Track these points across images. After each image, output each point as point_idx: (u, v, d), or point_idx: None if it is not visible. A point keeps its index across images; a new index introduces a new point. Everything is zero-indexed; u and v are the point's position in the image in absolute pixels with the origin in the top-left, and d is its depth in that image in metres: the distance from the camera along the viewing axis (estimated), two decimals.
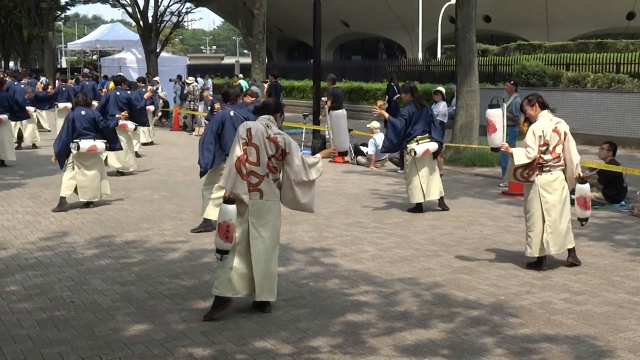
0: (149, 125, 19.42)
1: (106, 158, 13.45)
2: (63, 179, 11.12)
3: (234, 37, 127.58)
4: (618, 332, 5.93)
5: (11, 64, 62.11)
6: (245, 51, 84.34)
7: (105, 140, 11.28)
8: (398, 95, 21.30)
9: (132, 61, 35.36)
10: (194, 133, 23.98)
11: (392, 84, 20.26)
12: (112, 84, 16.64)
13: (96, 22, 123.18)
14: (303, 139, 19.68)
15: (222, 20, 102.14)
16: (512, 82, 13.60)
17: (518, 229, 9.66)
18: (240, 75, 30.58)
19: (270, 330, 5.94)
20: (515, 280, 7.39)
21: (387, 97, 21.14)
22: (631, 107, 19.29)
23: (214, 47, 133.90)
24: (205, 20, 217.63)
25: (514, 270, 7.76)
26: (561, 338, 5.77)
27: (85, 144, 10.90)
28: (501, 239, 9.23)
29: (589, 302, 6.66)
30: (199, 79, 27.65)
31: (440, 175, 14.62)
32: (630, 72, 22.38)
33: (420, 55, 40.31)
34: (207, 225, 9.36)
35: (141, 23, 34.16)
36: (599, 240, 9.13)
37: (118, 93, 14.74)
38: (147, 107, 17.47)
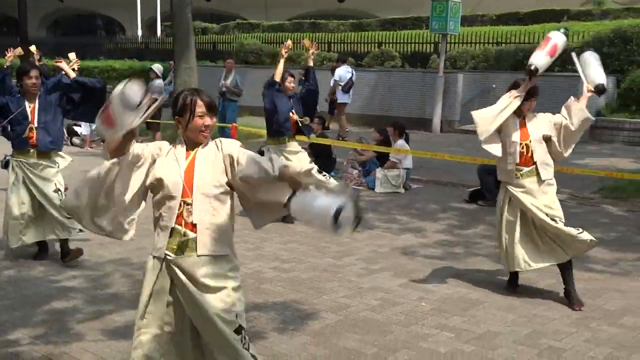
0: None
1: None
2: None
3: None
4: (322, 295, 6.23)
5: None
6: None
7: None
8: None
9: None
10: None
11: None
12: None
13: None
14: None
15: None
16: (233, 59, 14.56)
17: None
18: None
19: None
20: None
21: None
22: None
23: None
24: None
25: None
26: (269, 305, 5.94)
27: None
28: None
29: (296, 269, 6.93)
30: None
31: None
32: (339, 50, 23.71)
33: (139, 33, 39.44)
34: None
35: None
36: None
37: None
38: None
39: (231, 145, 3.75)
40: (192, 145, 3.79)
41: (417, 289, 6.47)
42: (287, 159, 8.46)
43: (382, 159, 11.58)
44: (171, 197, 3.70)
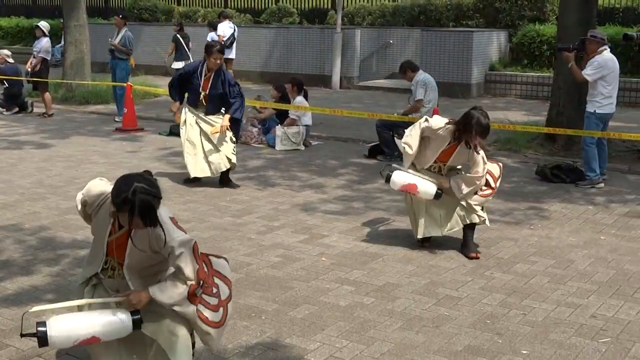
0: None
1: None
2: None
3: None
4: (222, 254, 6.09)
5: None
6: None
7: None
8: None
9: None
10: None
11: None
12: None
13: None
14: None
15: None
16: (120, 16, 14.14)
17: (130, 164, 9.61)
18: None
19: None
20: None
21: None
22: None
23: None
24: None
25: None
26: None
27: None
28: (113, 175, 9.05)
29: (197, 228, 6.84)
30: None
31: (50, 115, 14.02)
32: (236, 6, 23.36)
33: None
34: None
35: None
36: None
37: None
38: None
39: (161, 244, 3.53)
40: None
41: (318, 245, 6.52)
42: (209, 122, 8.46)
43: (281, 117, 11.52)
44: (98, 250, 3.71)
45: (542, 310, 5.11)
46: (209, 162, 8.48)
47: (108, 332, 3.52)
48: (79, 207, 3.87)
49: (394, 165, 6.40)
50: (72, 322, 3.50)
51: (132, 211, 3.35)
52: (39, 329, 3.40)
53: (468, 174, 6.14)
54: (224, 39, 17.04)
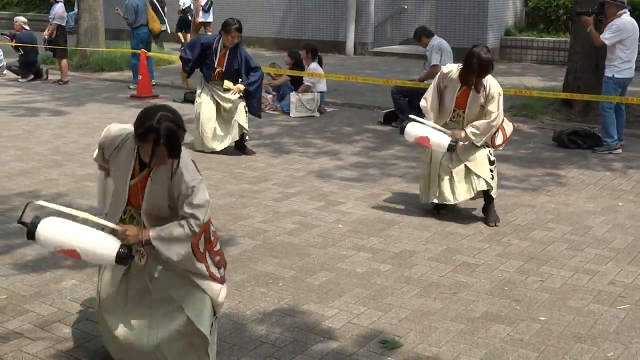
0: None
1: None
2: None
3: None
4: (238, 221, 6.20)
5: None
6: None
7: None
8: None
9: None
10: None
11: None
12: None
13: None
14: None
15: None
16: None
17: None
18: None
19: None
20: None
21: None
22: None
23: None
24: None
25: None
26: None
27: None
28: None
29: (213, 196, 6.71)
30: None
31: (65, 82, 14.02)
32: None
33: None
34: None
35: None
36: None
37: None
38: None
39: (182, 184, 3.45)
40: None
41: (334, 212, 6.51)
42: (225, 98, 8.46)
43: (296, 83, 11.47)
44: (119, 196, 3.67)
45: (560, 277, 5.10)
46: (223, 136, 8.61)
47: (90, 253, 3.49)
48: (96, 151, 3.74)
49: (412, 117, 6.32)
50: (62, 229, 3.50)
51: (157, 140, 3.28)
52: (33, 221, 3.47)
53: (482, 120, 6.04)
54: (202, 3, 17.34)
